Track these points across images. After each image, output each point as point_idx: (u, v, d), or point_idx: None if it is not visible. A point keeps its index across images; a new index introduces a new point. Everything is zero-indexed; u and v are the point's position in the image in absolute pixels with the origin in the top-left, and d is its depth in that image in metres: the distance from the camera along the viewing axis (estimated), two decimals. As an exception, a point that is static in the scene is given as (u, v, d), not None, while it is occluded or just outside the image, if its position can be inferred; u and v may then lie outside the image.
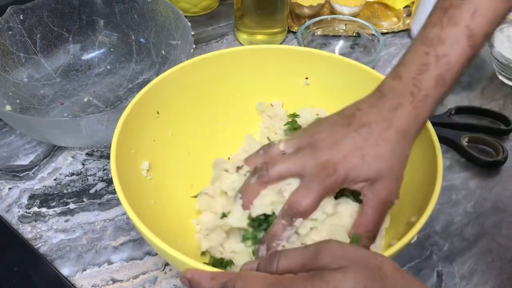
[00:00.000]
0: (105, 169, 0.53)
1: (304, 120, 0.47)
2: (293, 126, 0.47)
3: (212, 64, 0.46)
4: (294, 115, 0.48)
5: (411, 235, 0.32)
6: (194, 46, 0.54)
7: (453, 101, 0.60)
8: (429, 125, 0.39)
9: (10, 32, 0.58)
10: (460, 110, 0.58)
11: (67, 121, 0.47)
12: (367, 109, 0.37)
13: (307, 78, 0.48)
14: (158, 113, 0.43)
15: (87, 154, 0.54)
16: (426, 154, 0.38)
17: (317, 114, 0.48)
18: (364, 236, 0.36)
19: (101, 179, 0.52)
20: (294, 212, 0.35)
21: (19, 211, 0.49)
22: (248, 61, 0.47)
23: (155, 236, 0.32)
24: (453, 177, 0.52)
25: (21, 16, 0.58)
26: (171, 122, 0.45)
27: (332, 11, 0.73)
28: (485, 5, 0.35)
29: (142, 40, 0.62)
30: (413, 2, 0.74)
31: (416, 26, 0.68)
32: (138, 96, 0.41)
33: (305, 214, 0.36)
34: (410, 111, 0.35)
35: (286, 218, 0.36)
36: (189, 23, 0.56)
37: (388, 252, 0.31)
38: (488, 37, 0.36)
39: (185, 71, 0.45)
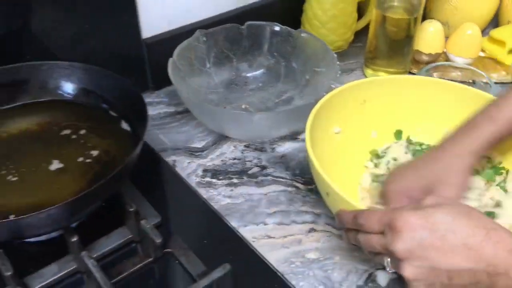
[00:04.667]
0: (259, 158, 0.67)
1: None
2: None
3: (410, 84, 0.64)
4: None
5: None
6: (339, 73, 0.68)
7: None
8: None
9: (195, 49, 0.75)
10: None
11: (244, 114, 0.63)
12: None
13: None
14: (364, 101, 0.61)
15: (244, 146, 0.69)
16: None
17: None
18: None
19: (256, 165, 0.66)
20: None
21: (196, 179, 0.64)
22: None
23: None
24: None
25: (204, 38, 0.76)
26: (371, 113, 0.62)
27: (447, 61, 0.86)
28: None
29: (291, 65, 0.78)
30: (521, 60, 0.84)
31: (523, 79, 0.79)
32: (348, 84, 0.60)
33: None
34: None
35: None
36: (335, 55, 0.70)
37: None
38: None
39: (391, 81, 0.63)
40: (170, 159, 0.66)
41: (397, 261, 0.40)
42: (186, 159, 0.67)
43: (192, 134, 0.71)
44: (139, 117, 0.54)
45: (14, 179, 0.51)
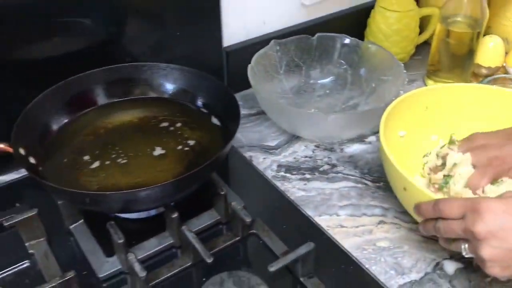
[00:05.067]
0: (329, 157, 0.73)
1: None
2: None
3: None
4: None
5: None
6: (406, 80, 0.73)
7: None
8: None
9: (269, 57, 0.82)
10: None
11: (319, 114, 0.69)
12: None
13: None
14: (426, 107, 0.66)
15: (315, 146, 0.75)
16: None
17: None
18: None
19: (326, 163, 0.72)
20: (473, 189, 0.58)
21: (271, 173, 0.70)
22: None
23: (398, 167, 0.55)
24: None
25: (278, 47, 0.83)
26: (434, 118, 0.68)
27: (506, 74, 0.89)
28: None
29: (358, 74, 0.83)
30: None
31: None
32: (411, 92, 0.65)
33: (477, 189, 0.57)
34: None
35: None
36: (402, 65, 0.76)
37: None
38: None
39: (452, 89, 0.69)
40: (247, 154, 0.73)
41: (476, 242, 0.44)
42: (261, 155, 0.73)
43: (265, 133, 0.78)
44: (231, 115, 0.61)
45: (124, 161, 0.59)
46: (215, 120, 0.66)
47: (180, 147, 0.61)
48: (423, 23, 0.93)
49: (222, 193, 0.58)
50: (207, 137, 0.63)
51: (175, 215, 0.55)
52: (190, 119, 0.66)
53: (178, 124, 0.65)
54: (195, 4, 0.74)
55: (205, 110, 0.67)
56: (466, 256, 0.48)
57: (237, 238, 0.58)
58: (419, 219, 0.54)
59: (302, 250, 0.52)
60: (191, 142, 0.62)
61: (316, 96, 0.85)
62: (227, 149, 0.57)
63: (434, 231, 0.50)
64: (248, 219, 0.55)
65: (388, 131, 0.62)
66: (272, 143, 0.76)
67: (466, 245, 0.47)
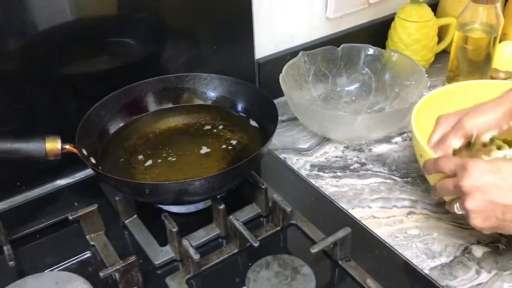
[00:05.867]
0: (358, 157, 0.78)
1: None
2: None
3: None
4: None
5: None
6: (429, 83, 0.78)
7: None
8: None
9: (298, 67, 0.88)
10: None
11: (349, 115, 0.74)
12: None
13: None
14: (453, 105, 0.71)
15: (344, 147, 0.80)
16: None
17: None
18: None
19: (356, 162, 0.77)
20: None
21: (305, 172, 0.75)
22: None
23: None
24: None
25: (306, 58, 0.89)
26: None
27: (523, 78, 0.94)
28: None
29: (382, 80, 0.89)
30: None
31: None
32: (438, 90, 0.73)
33: None
34: None
35: None
36: (424, 69, 0.81)
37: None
38: None
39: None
40: (281, 156, 0.79)
41: (463, 195, 0.51)
42: (295, 156, 0.79)
43: (297, 137, 0.83)
44: (269, 116, 0.67)
45: (173, 159, 0.65)
46: (253, 123, 0.72)
47: (224, 146, 0.68)
48: (441, 32, 0.99)
49: (263, 187, 0.64)
50: (247, 138, 0.70)
51: (222, 206, 0.61)
52: (230, 123, 0.72)
53: (220, 127, 0.71)
54: (231, 23, 0.81)
55: (243, 114, 0.74)
56: (458, 213, 0.55)
57: (278, 228, 0.63)
58: (429, 179, 0.61)
59: (340, 234, 0.57)
60: (233, 142, 0.68)
61: (342, 103, 0.90)
62: (267, 145, 0.63)
63: (435, 191, 0.57)
64: (288, 209, 0.61)
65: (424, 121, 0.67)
66: (304, 145, 0.81)
67: (457, 204, 0.53)
